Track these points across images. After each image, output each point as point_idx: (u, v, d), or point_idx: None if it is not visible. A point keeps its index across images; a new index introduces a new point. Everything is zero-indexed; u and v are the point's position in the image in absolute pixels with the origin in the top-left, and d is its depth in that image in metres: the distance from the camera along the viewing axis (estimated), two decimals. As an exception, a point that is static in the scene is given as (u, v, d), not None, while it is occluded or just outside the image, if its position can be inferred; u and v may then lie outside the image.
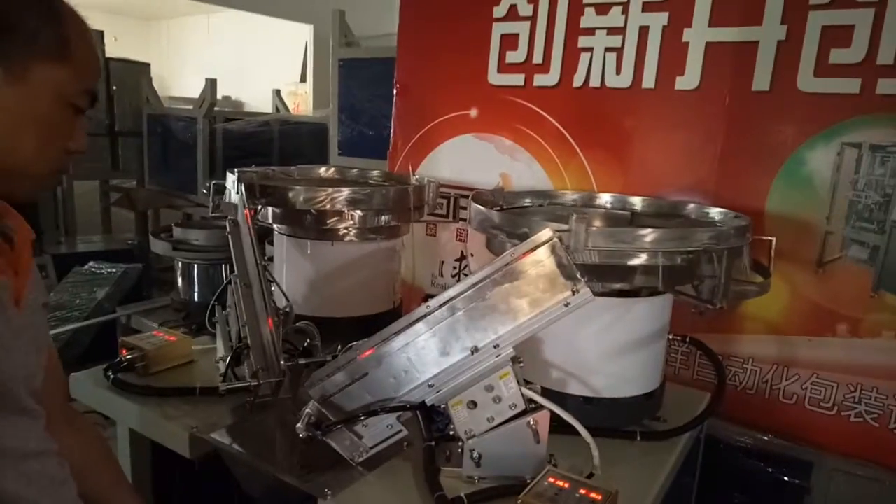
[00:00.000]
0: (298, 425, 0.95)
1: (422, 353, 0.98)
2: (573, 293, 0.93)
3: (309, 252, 1.49)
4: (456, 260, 1.91)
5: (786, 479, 1.59)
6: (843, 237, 1.37)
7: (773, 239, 1.12)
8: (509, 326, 0.96)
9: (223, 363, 1.24)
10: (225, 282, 1.31)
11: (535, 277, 0.95)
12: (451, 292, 0.98)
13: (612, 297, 1.09)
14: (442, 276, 1.94)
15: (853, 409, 1.40)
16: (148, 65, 4.26)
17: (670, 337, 1.20)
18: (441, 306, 0.97)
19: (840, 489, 1.54)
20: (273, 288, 1.32)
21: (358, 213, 1.41)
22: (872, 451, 1.40)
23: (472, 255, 1.86)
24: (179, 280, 2.47)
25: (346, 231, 1.45)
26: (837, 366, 1.41)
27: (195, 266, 2.44)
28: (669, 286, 0.99)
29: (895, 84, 1.25)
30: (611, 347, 1.12)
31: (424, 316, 0.98)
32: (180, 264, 2.43)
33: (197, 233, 2.37)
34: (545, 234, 0.95)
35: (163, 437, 1.13)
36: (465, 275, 1.88)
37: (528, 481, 0.95)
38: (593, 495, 0.85)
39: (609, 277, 1.02)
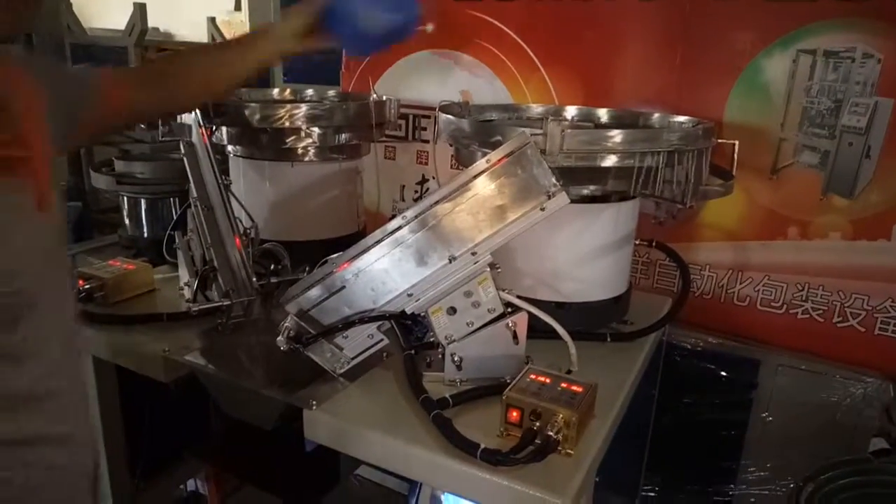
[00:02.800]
0: (279, 338, 0.94)
1: (399, 264, 0.97)
2: (549, 197, 0.94)
3: (268, 174, 1.44)
4: (417, 183, 1.89)
5: (735, 377, 1.70)
6: (796, 144, 1.41)
7: (736, 142, 1.15)
8: (486, 233, 0.96)
9: (188, 288, 1.21)
10: (182, 208, 1.26)
11: (510, 183, 0.94)
12: (426, 202, 0.97)
13: (582, 203, 1.10)
14: (403, 200, 1.92)
15: (800, 307, 1.49)
16: (64, -11, 3.93)
17: (637, 242, 1.23)
18: (417, 217, 0.96)
19: (784, 383, 1.66)
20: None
21: (317, 130, 1.37)
22: (817, 345, 1.50)
23: (433, 178, 1.84)
24: (126, 217, 2.36)
25: (305, 150, 1.41)
26: (787, 267, 1.48)
27: (142, 200, 2.33)
28: (641, 188, 1.00)
29: (850, -13, 1.27)
30: (581, 253, 1.15)
31: (400, 227, 0.97)
32: (126, 200, 2.32)
33: (142, 165, 2.24)
34: (520, 138, 0.95)
35: (133, 363, 1.10)
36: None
37: (509, 381, 0.98)
38: (574, 388, 0.88)
39: (582, 181, 1.03)
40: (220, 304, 1.04)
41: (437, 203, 0.96)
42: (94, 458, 0.78)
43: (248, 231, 1.18)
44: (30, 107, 0.69)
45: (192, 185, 1.20)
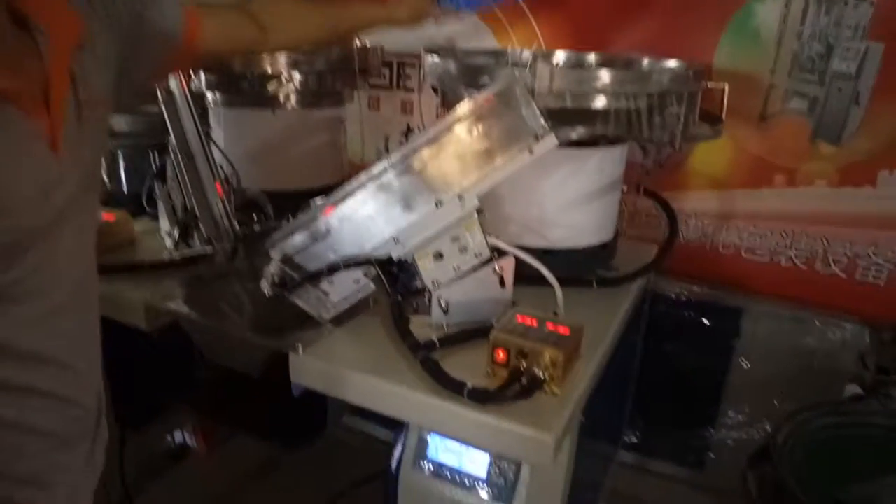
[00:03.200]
0: (263, 283, 0.93)
1: (385, 209, 0.96)
2: (537, 139, 0.92)
3: (249, 122, 1.40)
4: (402, 134, 1.86)
5: (718, 325, 1.72)
6: (786, 90, 1.40)
7: (726, 85, 1.13)
8: (473, 177, 0.94)
9: (170, 237, 1.19)
10: (162, 158, 1.23)
11: (497, 125, 0.93)
12: (411, 145, 0.95)
13: (570, 147, 1.08)
14: (387, 151, 1.89)
15: (784, 254, 1.50)
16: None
17: (624, 189, 1.23)
18: (402, 160, 0.95)
19: (765, 330, 1.69)
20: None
21: (299, 76, 1.33)
22: (799, 292, 1.52)
23: (419, 129, 1.81)
24: (104, 172, 2.31)
25: (287, 97, 1.37)
26: (773, 215, 1.48)
27: (119, 154, 2.28)
28: (630, 130, 0.99)
29: (845, -74, 1.24)
30: (568, 199, 1.14)
31: (385, 171, 0.95)
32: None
33: (119, 118, 2.19)
34: (508, 77, 0.93)
35: (115, 312, 1.09)
36: (412, 148, 1.84)
37: (494, 325, 0.98)
38: (561, 329, 0.89)
39: (571, 123, 1.01)
40: (203, 251, 1.02)
41: (422, 146, 0.94)
42: (98, 399, 0.78)
43: (230, 178, 1.15)
44: (57, 41, 0.64)
45: (171, 133, 1.17)
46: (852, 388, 1.59)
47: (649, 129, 1.02)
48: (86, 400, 0.74)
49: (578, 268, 1.18)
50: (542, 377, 0.82)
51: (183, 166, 1.12)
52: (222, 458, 1.93)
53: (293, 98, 1.38)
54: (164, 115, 1.17)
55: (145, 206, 1.40)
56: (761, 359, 1.70)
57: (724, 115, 1.13)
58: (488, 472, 0.96)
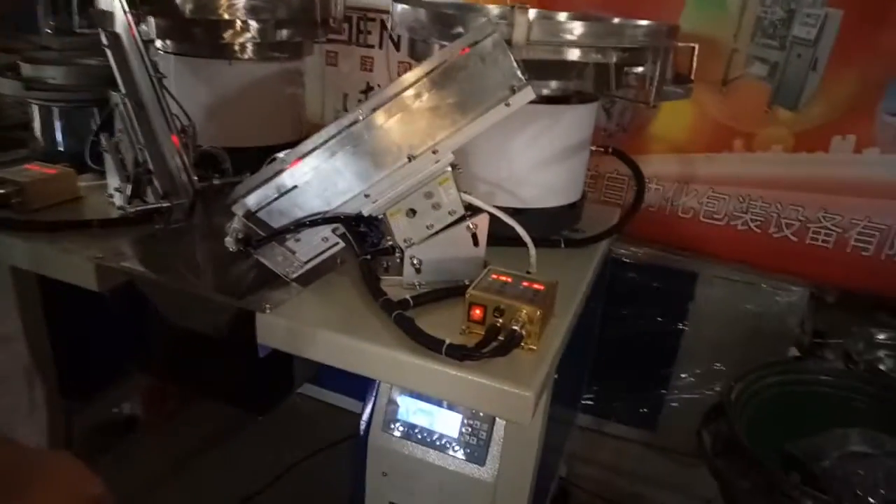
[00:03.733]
0: (227, 239, 0.88)
1: (355, 163, 0.92)
2: (513, 91, 0.90)
3: (202, 74, 1.32)
4: (361, 92, 1.80)
5: (673, 289, 1.76)
6: (747, 55, 1.42)
7: (696, 45, 1.13)
8: (447, 130, 0.91)
9: (120, 194, 1.12)
10: (107, 110, 1.14)
11: (472, 76, 0.89)
12: (382, 96, 0.91)
13: (543, 104, 1.06)
14: (346, 110, 1.83)
15: (740, 218, 1.54)
16: None
17: (593, 149, 1.22)
18: (373, 111, 0.91)
19: (718, 294, 1.74)
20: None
21: (256, 24, 1.26)
22: (753, 256, 1.56)
23: (378, 86, 1.76)
24: (38, 129, 2.15)
25: (243, 47, 1.29)
26: (731, 180, 1.52)
27: (55, 110, 2.13)
28: (606, 86, 0.98)
29: None
30: (540, 158, 1.12)
31: (355, 122, 0.91)
32: (38, 110, 2.10)
33: (54, 70, 2.03)
34: (484, 27, 0.89)
35: (62, 272, 1.02)
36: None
37: (468, 284, 0.96)
38: (536, 286, 0.88)
39: (546, 77, 0.99)
40: (159, 205, 0.96)
41: (394, 97, 0.90)
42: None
43: (187, 129, 1.08)
44: None
45: (119, 79, 1.09)
46: (793, 351, 1.66)
47: (624, 85, 1.01)
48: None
49: (547, 228, 1.17)
50: (520, 333, 0.81)
51: (134, 116, 1.05)
52: (174, 428, 1.87)
53: (250, 48, 1.30)
54: (109, 61, 1.09)
55: (89, 162, 1.31)
56: (712, 322, 1.75)
57: (692, 76, 1.13)
58: (460, 433, 0.95)
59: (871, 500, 1.12)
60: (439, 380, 0.80)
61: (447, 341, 0.79)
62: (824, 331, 1.68)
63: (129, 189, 1.02)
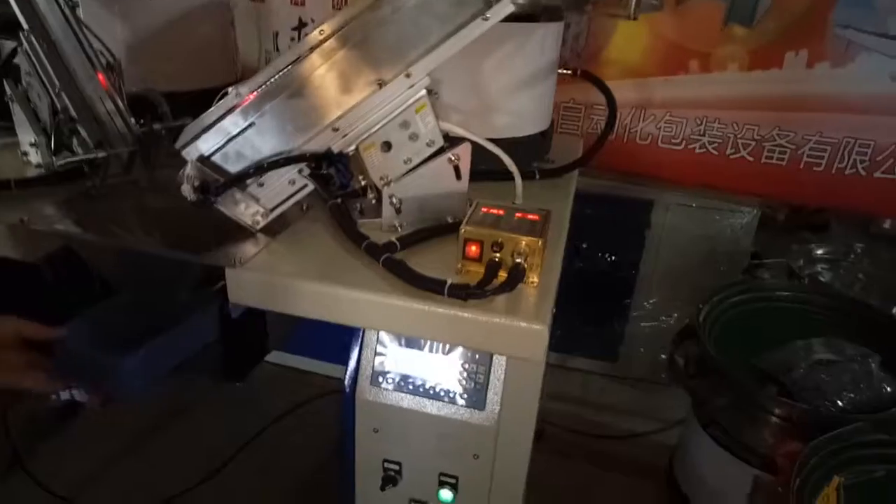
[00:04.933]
0: (184, 187, 0.77)
1: (319, 93, 0.82)
2: (489, 4, 0.81)
3: (118, 10, 1.16)
4: (293, 29, 1.65)
5: (630, 218, 1.76)
6: (701, -29, 1.38)
7: (664, -46, 1.08)
8: (420, 50, 0.82)
9: (35, 148, 0.97)
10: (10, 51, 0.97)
11: (443, -11, 0.80)
12: (346, 14, 0.81)
13: (512, 22, 0.98)
14: (277, 50, 1.68)
15: (698, 141, 1.53)
16: None
17: (561, 71, 1.15)
18: (336, 32, 0.80)
19: (674, 221, 1.75)
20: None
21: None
22: (711, 178, 1.56)
23: (312, 20, 1.61)
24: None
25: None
26: (688, 102, 1.50)
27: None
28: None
29: None
30: (511, 82, 1.05)
31: (317, 46, 0.80)
32: None
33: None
34: (455, -70, 0.80)
35: (-20, 242, 0.87)
36: (307, 47, 1.64)
37: (451, 221, 0.90)
38: (531, 216, 0.82)
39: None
40: (94, 156, 0.83)
41: (358, 15, 0.80)
42: None
43: (113, 66, 0.93)
44: None
45: (18, 12, 0.92)
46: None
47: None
48: None
49: (521, 158, 1.10)
50: (524, 266, 0.75)
51: (44, 56, 0.89)
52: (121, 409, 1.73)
53: (169, -23, 1.15)
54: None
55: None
56: (670, 249, 1.77)
57: (662, -12, 1.08)
58: (456, 378, 0.90)
59: (840, 402, 1.16)
60: (441, 323, 0.74)
61: (449, 281, 0.72)
62: (758, 252, 1.74)
63: (51, 142, 0.87)
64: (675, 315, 1.86)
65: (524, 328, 0.71)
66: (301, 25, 1.64)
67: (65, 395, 1.31)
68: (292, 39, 1.65)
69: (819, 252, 1.71)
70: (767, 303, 1.42)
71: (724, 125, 1.49)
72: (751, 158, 1.51)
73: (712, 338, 1.31)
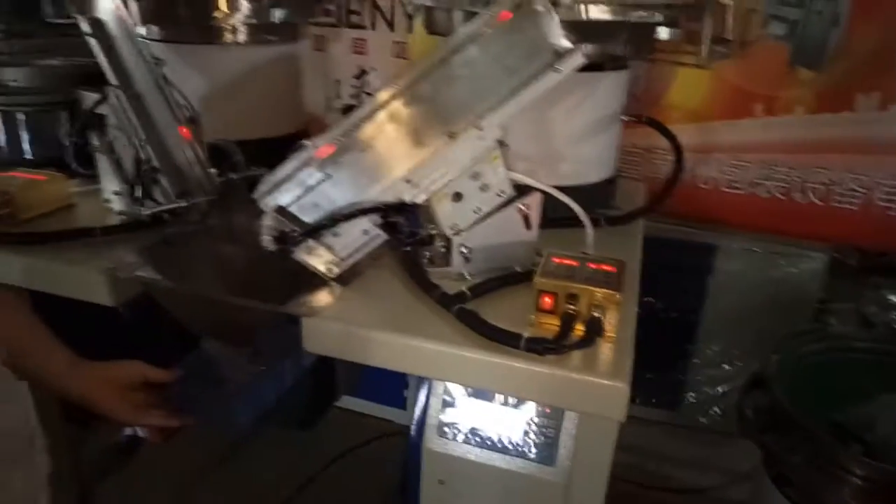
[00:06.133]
0: (265, 238, 0.78)
1: (392, 145, 0.83)
2: (558, 56, 0.82)
3: (193, 61, 1.21)
4: (354, 77, 1.70)
5: (693, 263, 1.71)
6: (765, 15, 1.37)
7: (731, 2, 1.07)
8: (490, 102, 0.83)
9: (118, 197, 1.01)
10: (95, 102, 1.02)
11: (516, 42, 0.82)
12: (418, 69, 0.82)
13: (580, 71, 0.99)
14: (339, 97, 1.73)
15: (763, 185, 1.49)
16: None
17: (625, 119, 1.15)
18: (408, 88, 0.82)
19: (739, 266, 1.69)
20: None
21: (248, 3, 1.15)
22: (777, 223, 1.52)
23: (374, 70, 1.66)
24: (3, 136, 1.99)
25: (234, 29, 1.19)
26: (752, 146, 1.47)
27: (19, 115, 1.97)
28: (649, 46, 0.91)
29: None
30: (578, 130, 1.05)
31: (389, 100, 0.82)
32: None
33: (15, 72, 1.88)
34: (521, -9, 0.81)
35: (68, 287, 0.90)
36: (368, 93, 1.69)
37: (520, 271, 0.89)
38: (606, 267, 0.81)
39: (588, 38, 0.91)
40: (177, 205, 0.86)
41: (430, 69, 0.82)
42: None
43: (195, 119, 0.97)
44: None
45: (108, 70, 0.97)
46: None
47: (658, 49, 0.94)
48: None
49: (587, 205, 1.10)
50: (601, 320, 0.73)
51: (131, 109, 0.94)
52: (178, 447, 1.76)
53: (241, 31, 1.20)
54: (93, 52, 0.97)
55: (74, 166, 1.19)
56: (735, 294, 1.71)
57: (730, 35, 1.06)
58: (526, 432, 0.88)
59: (930, 464, 1.08)
60: (516, 377, 0.73)
61: (525, 335, 0.71)
62: (825, 297, 1.66)
63: (138, 191, 0.91)
64: (739, 364, 1.79)
65: (604, 385, 0.69)
66: (362, 73, 1.68)
67: (128, 431, 1.35)
68: (354, 87, 1.70)
69: (894, 298, 1.63)
70: (844, 353, 1.35)
71: (791, 169, 1.45)
72: (819, 202, 1.46)
73: (785, 388, 1.25)
